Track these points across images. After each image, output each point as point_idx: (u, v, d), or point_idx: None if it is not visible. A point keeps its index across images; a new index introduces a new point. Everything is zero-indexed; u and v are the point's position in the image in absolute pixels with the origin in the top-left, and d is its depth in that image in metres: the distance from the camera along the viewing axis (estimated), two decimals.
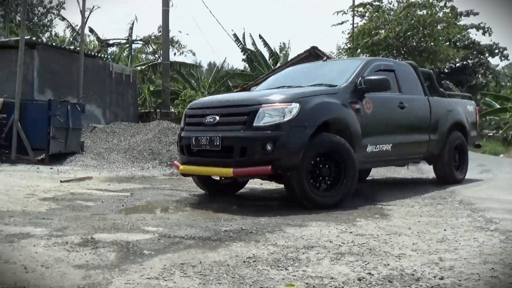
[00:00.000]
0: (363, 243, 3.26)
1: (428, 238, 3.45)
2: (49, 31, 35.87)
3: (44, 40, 22.17)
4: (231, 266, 2.68)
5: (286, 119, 4.70)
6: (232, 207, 4.98)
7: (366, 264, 2.73)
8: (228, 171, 4.75)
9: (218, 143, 4.88)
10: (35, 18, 38.17)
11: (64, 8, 37.86)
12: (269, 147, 4.63)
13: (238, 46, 23.82)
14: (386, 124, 5.84)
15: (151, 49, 23.01)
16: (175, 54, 25.63)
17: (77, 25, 27.78)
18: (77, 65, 12.57)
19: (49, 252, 2.93)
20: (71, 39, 26.18)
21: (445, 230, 3.73)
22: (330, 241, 3.31)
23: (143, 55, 25.86)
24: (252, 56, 24.09)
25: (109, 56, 19.32)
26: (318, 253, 2.98)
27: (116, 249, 3.04)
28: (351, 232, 3.63)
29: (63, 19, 27.72)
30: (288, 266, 2.69)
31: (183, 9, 35.73)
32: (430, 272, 2.58)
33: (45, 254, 2.87)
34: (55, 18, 38.70)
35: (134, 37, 22.71)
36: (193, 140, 5.13)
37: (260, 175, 4.95)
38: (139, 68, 20.60)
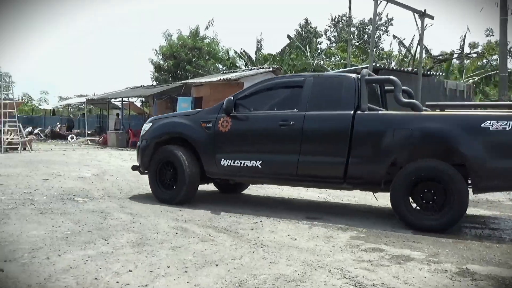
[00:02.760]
0: None
1: None
2: (377, 47, 38.43)
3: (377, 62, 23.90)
4: None
5: (142, 133, 6.81)
6: None
7: None
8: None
9: None
10: (365, 36, 41.45)
11: (392, 25, 39.94)
12: (137, 154, 6.86)
13: None
14: (250, 141, 6.01)
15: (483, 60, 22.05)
16: None
17: (404, 39, 28.94)
18: (414, 84, 13.38)
19: (435, 278, 3.47)
20: (401, 56, 27.43)
21: None
22: None
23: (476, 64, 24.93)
24: None
25: (440, 73, 19.43)
26: None
27: (493, 284, 3.35)
28: None
29: (394, 37, 29.25)
30: None
31: None
32: None
33: (432, 280, 3.41)
34: (383, 34, 41.22)
35: (466, 49, 22.21)
36: None
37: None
38: (470, 80, 20.05)
